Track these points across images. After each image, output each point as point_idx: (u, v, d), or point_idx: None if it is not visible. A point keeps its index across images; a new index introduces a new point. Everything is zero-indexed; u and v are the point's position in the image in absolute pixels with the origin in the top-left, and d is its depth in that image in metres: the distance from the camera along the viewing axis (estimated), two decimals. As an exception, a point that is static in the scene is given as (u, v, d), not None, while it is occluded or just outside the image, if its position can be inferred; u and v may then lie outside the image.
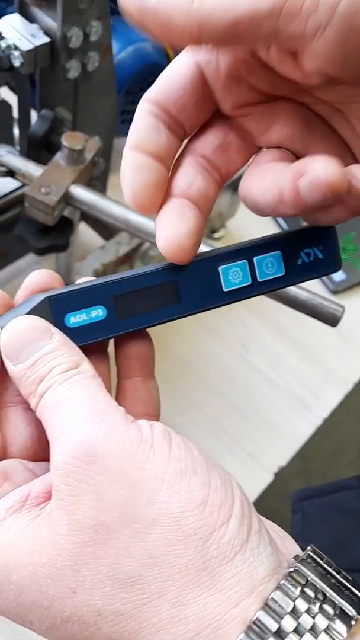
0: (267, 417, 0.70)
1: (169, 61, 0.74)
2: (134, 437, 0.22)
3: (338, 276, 0.81)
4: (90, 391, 0.23)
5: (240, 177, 0.27)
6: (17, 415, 0.27)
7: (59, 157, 0.48)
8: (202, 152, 0.26)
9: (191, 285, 0.28)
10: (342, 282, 0.80)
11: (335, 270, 0.30)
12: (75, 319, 0.27)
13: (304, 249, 0.29)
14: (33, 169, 0.47)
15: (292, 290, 0.44)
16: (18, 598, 0.22)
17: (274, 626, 0.20)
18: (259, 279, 0.29)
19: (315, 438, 0.69)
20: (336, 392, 0.75)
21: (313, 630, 0.20)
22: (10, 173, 0.47)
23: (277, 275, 0.29)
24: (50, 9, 0.52)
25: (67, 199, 0.46)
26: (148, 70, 0.73)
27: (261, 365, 0.74)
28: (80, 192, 0.46)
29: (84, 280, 0.28)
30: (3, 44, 0.52)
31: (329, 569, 0.22)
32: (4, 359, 0.25)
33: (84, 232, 0.72)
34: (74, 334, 0.26)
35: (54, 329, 0.25)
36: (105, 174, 0.67)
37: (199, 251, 0.28)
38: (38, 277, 0.27)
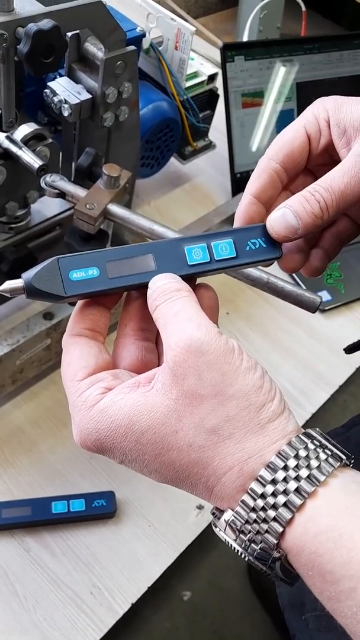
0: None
1: (181, 117, 0.89)
2: (224, 344, 0.32)
3: (325, 297, 0.94)
4: (195, 308, 0.33)
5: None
6: (130, 344, 0.37)
7: (100, 183, 0.61)
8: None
9: (164, 258, 0.36)
10: (329, 302, 0.93)
11: (278, 257, 0.39)
12: (77, 274, 0.35)
13: (250, 239, 0.38)
14: (80, 191, 0.60)
15: (280, 283, 0.56)
16: (140, 438, 0.32)
17: (291, 454, 0.31)
18: (216, 258, 0.37)
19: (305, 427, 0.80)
20: (324, 394, 0.86)
21: (317, 458, 0.31)
22: (62, 194, 0.61)
23: (230, 256, 0.37)
24: (92, 73, 0.68)
25: (105, 213, 0.60)
26: (164, 123, 0.85)
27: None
28: (116, 209, 0.60)
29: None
30: (56, 99, 0.66)
31: (329, 440, 0.33)
32: (149, 290, 0.34)
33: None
34: (75, 285, 0.34)
35: (182, 282, 0.35)
36: (129, 206, 0.81)
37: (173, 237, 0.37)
38: None
